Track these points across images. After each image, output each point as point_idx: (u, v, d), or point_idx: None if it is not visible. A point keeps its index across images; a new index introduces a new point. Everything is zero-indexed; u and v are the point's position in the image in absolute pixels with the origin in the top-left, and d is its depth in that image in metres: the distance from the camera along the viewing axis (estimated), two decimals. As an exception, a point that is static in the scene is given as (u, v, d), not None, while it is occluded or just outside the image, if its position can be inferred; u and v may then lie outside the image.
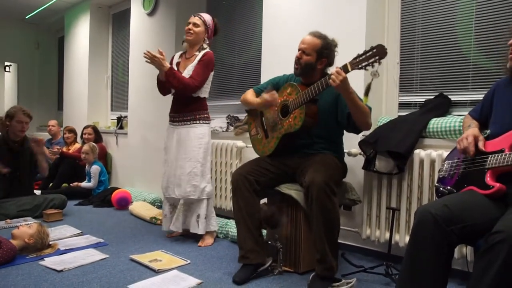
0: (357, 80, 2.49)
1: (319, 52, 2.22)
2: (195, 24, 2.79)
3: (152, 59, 2.66)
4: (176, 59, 2.94)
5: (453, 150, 1.81)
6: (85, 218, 3.56)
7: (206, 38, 2.82)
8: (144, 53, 2.67)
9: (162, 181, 2.96)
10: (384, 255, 2.35)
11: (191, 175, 2.77)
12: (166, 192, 2.93)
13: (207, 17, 2.84)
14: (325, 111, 2.24)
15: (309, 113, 2.17)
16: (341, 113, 2.22)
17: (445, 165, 1.77)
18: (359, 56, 1.93)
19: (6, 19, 6.54)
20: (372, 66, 1.90)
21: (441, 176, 1.76)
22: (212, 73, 2.84)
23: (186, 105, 2.81)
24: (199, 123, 2.81)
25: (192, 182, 2.77)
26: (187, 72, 2.74)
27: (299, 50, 2.27)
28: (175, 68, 2.85)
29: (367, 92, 2.01)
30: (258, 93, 2.50)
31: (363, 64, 1.91)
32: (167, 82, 2.72)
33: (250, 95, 2.51)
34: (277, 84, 2.46)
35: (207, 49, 2.82)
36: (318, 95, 2.14)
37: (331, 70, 2.09)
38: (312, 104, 2.19)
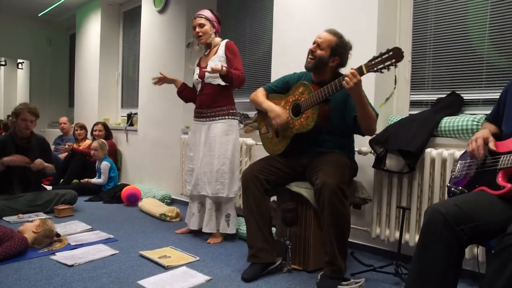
0: (367, 83, 2.48)
1: (333, 49, 2.21)
2: (201, 25, 2.81)
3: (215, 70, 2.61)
4: (196, 63, 2.99)
5: (466, 151, 1.79)
6: (95, 214, 3.60)
7: (214, 32, 2.85)
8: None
9: (188, 179, 2.95)
10: (394, 255, 2.34)
11: (219, 173, 2.75)
12: (195, 190, 2.88)
13: (207, 12, 2.86)
14: (335, 111, 2.23)
15: (322, 113, 2.16)
16: (348, 115, 2.22)
17: (458, 165, 1.75)
18: (375, 58, 1.89)
19: (19, 16, 6.63)
20: (388, 69, 1.87)
21: (453, 177, 1.75)
22: None
23: (212, 101, 2.79)
24: (227, 118, 2.79)
25: (220, 179, 2.75)
26: (212, 62, 2.74)
27: (314, 43, 2.25)
28: (198, 69, 2.90)
29: (387, 99, 1.99)
30: (268, 92, 2.50)
31: (379, 67, 1.88)
32: (231, 84, 2.70)
33: (260, 95, 2.49)
34: (287, 83, 2.45)
35: (224, 40, 2.83)
36: (331, 96, 2.12)
37: (344, 71, 2.08)
38: (324, 104, 2.17)
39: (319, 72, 2.28)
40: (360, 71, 1.93)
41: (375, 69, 1.89)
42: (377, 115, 2.14)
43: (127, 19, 5.63)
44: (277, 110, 2.32)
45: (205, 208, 2.86)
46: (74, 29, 6.28)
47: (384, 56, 1.87)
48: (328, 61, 2.23)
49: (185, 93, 3.03)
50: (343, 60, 2.25)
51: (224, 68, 2.61)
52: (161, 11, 4.41)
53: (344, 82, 1.95)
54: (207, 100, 2.81)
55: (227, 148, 2.76)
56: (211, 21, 2.84)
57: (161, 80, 3.00)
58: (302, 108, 2.24)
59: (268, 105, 2.38)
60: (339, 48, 2.21)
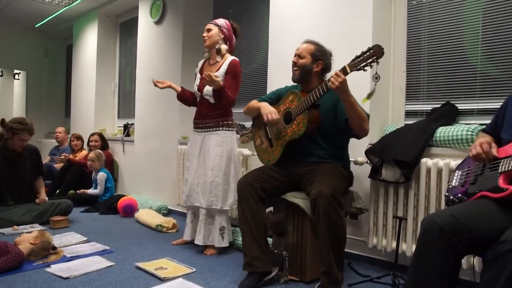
0: (362, 85, 2.50)
1: (313, 55, 2.32)
2: (208, 30, 2.82)
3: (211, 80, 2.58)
4: (199, 67, 2.97)
5: (464, 160, 1.80)
6: (91, 225, 3.59)
7: (223, 39, 2.81)
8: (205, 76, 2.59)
9: (183, 190, 2.96)
10: (391, 265, 2.34)
11: (213, 185, 2.74)
12: (188, 201, 2.89)
13: (220, 20, 2.87)
14: (326, 117, 2.27)
15: (312, 118, 2.21)
16: (340, 118, 2.25)
17: (456, 175, 1.75)
18: (357, 57, 1.96)
19: (16, 27, 6.65)
20: (371, 67, 1.94)
21: (451, 187, 1.74)
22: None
23: (210, 111, 2.80)
24: (222, 129, 2.79)
25: (214, 191, 2.74)
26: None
27: (294, 55, 2.37)
28: (198, 75, 2.90)
29: (369, 95, 2.02)
30: None
31: (362, 65, 1.95)
32: (219, 101, 2.71)
33: (253, 102, 2.56)
34: (279, 96, 2.52)
35: (231, 57, 2.79)
36: (319, 100, 2.17)
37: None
38: (314, 110, 2.23)
39: (306, 81, 2.35)
40: (344, 71, 1.99)
41: (358, 67, 1.96)
42: (368, 115, 2.18)
43: (124, 30, 5.67)
44: (270, 107, 2.37)
45: (198, 219, 2.85)
46: (71, 40, 6.31)
47: (365, 55, 1.94)
48: (312, 67, 2.32)
49: (187, 95, 3.02)
50: (326, 64, 2.33)
51: (220, 83, 2.60)
52: (157, 22, 4.45)
53: (329, 83, 2.00)
54: (204, 111, 2.83)
55: (220, 160, 2.75)
56: (221, 26, 2.82)
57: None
58: (293, 115, 2.28)
59: (260, 104, 2.44)
60: (319, 53, 2.32)
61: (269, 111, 2.33)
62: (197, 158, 2.84)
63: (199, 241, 2.79)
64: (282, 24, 3.18)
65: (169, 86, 3.01)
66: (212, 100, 2.77)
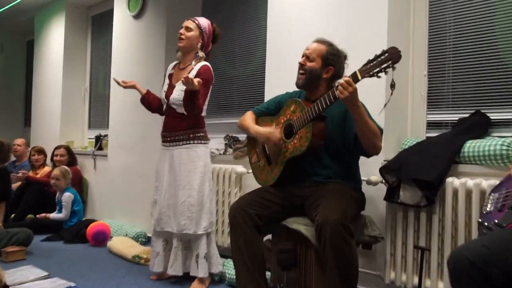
0: (376, 94, 2.53)
1: (324, 59, 2.32)
2: (187, 28, 2.87)
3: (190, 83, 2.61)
4: (169, 71, 3.03)
5: (502, 181, 1.82)
6: (54, 257, 3.57)
7: (200, 45, 2.89)
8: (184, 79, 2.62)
9: (153, 212, 2.98)
10: (412, 305, 2.34)
11: (185, 205, 2.78)
12: (158, 226, 2.93)
13: (203, 20, 2.92)
14: (333, 130, 2.30)
15: (316, 131, 2.22)
16: (348, 133, 2.27)
17: (491, 198, 1.77)
18: (369, 61, 1.99)
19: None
20: (386, 73, 1.96)
21: (485, 212, 1.76)
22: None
23: (179, 123, 2.85)
24: (194, 143, 2.84)
25: (186, 213, 2.78)
26: (181, 86, 2.77)
27: (302, 56, 2.37)
28: (167, 80, 2.96)
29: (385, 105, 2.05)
30: (257, 115, 2.58)
31: (375, 71, 1.96)
32: (191, 107, 2.75)
33: (248, 118, 2.58)
34: (278, 104, 2.54)
35: (203, 62, 2.87)
36: (326, 110, 2.18)
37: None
38: (319, 122, 2.24)
39: (312, 87, 2.37)
40: (354, 77, 2.00)
41: (370, 73, 1.97)
42: (381, 130, 2.20)
43: (97, 24, 5.72)
44: (266, 132, 2.40)
45: (171, 246, 2.87)
46: (33, 34, 6.35)
47: (379, 59, 1.95)
48: (321, 73, 2.33)
49: (150, 99, 3.08)
50: (338, 69, 2.35)
51: (197, 86, 2.61)
52: (136, 16, 4.50)
53: (337, 91, 2.02)
54: (172, 122, 2.88)
55: (193, 177, 2.79)
56: (202, 30, 2.89)
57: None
58: (295, 127, 2.29)
59: (255, 130, 2.47)
60: (331, 56, 2.32)
61: (266, 137, 2.37)
62: (167, 176, 2.88)
63: (175, 270, 2.83)
64: (283, 19, 3.23)
65: (133, 87, 3.09)
66: (179, 110, 2.82)
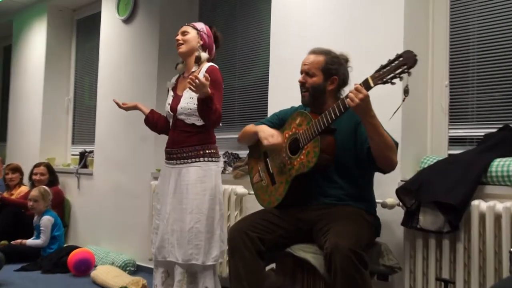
0: (390, 104, 2.54)
1: (325, 70, 2.34)
2: (183, 33, 2.90)
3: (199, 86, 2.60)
4: (171, 84, 3.05)
5: None
6: (31, 288, 3.56)
7: (201, 45, 2.90)
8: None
9: (153, 240, 2.94)
10: None
11: (193, 233, 2.72)
12: (160, 255, 2.86)
13: (199, 23, 2.97)
14: (344, 144, 2.30)
15: (325, 146, 2.22)
16: (360, 147, 2.28)
17: None
18: (382, 67, 2.01)
19: None
20: (400, 79, 1.97)
21: None
22: None
23: (187, 137, 2.82)
24: (204, 160, 2.81)
25: (194, 241, 2.72)
26: (189, 94, 2.77)
27: (301, 73, 2.40)
28: (171, 92, 2.97)
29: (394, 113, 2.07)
30: None
31: (388, 77, 1.99)
32: (208, 115, 2.73)
33: (249, 126, 2.61)
34: (283, 118, 2.56)
35: (208, 63, 2.87)
36: (335, 122, 2.19)
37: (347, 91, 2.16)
38: (328, 135, 2.25)
39: (319, 103, 2.39)
40: (366, 84, 2.03)
41: (383, 80, 2.00)
42: (396, 144, 2.22)
43: (82, 29, 5.77)
44: (269, 129, 2.41)
45: (173, 280, 2.83)
46: (10, 39, 6.40)
47: (393, 64, 1.98)
48: (325, 86, 2.36)
49: (155, 119, 3.08)
50: (343, 77, 2.37)
51: (208, 90, 2.61)
52: (126, 20, 4.54)
53: (348, 100, 2.04)
54: (179, 137, 2.85)
55: (202, 200, 2.76)
56: (200, 31, 2.91)
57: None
58: (301, 142, 2.30)
59: (257, 127, 2.48)
60: (332, 66, 2.35)
61: (268, 133, 2.38)
62: (171, 198, 2.84)
63: None
64: (288, 25, 3.25)
65: (136, 107, 3.09)
66: (189, 120, 2.81)
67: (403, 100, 2.01)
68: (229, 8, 4.10)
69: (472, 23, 2.69)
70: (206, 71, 2.78)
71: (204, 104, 2.68)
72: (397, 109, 2.07)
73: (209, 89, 2.62)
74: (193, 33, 2.90)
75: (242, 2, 4.00)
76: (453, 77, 2.74)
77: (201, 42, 2.91)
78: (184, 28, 2.92)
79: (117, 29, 4.67)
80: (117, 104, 3.08)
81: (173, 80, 3.07)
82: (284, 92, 3.15)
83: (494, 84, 2.61)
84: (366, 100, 2.02)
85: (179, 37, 2.89)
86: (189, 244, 2.73)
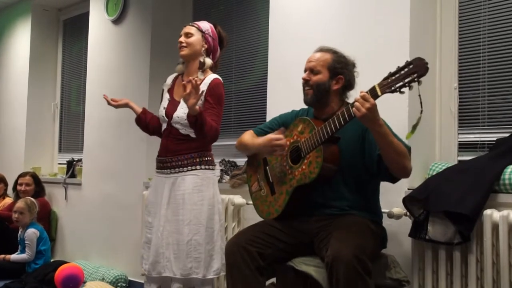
0: (398, 109, 2.55)
1: (331, 68, 2.36)
2: (187, 34, 2.87)
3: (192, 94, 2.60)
4: (168, 85, 3.04)
5: None
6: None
7: (205, 49, 2.89)
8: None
9: (145, 254, 2.90)
10: None
11: (191, 245, 2.72)
12: (154, 270, 2.82)
13: (204, 23, 2.95)
14: (349, 154, 2.31)
15: (328, 156, 2.23)
16: (369, 155, 2.28)
17: None
18: (391, 74, 2.02)
19: None
20: (410, 88, 1.98)
21: None
22: None
23: (182, 145, 2.82)
24: (201, 168, 2.81)
25: (194, 254, 2.72)
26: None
27: (305, 70, 2.42)
28: (167, 95, 2.96)
29: (414, 128, 2.08)
30: (259, 135, 2.58)
31: (398, 85, 1.99)
32: (200, 133, 2.74)
33: (248, 135, 2.61)
34: (283, 124, 2.56)
35: (213, 75, 2.86)
36: (340, 131, 2.20)
37: (353, 96, 2.17)
38: (331, 144, 2.25)
39: (322, 104, 2.40)
40: (373, 92, 2.03)
41: (392, 88, 2.00)
42: (408, 148, 2.22)
43: (69, 30, 5.78)
44: (267, 138, 2.40)
45: None
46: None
47: (403, 71, 1.98)
48: (330, 85, 2.36)
49: (148, 119, 3.06)
50: (349, 78, 2.38)
51: (198, 107, 2.61)
52: (116, 21, 4.56)
53: (354, 109, 2.04)
54: (173, 145, 2.85)
55: (201, 210, 2.76)
56: (205, 33, 2.90)
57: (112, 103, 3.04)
58: (303, 151, 2.31)
59: (257, 143, 2.48)
60: (338, 65, 2.37)
61: (268, 139, 2.39)
62: (165, 209, 2.83)
63: None
64: (287, 24, 3.26)
65: (127, 105, 3.07)
66: (184, 131, 2.81)
67: (421, 112, 2.01)
68: (225, 8, 4.12)
69: (482, 20, 2.70)
70: (210, 85, 2.80)
71: (194, 123, 2.68)
72: (418, 122, 2.07)
73: (197, 107, 2.61)
74: (198, 35, 2.88)
75: (238, 1, 4.01)
76: (463, 78, 2.75)
77: (206, 46, 2.89)
78: (188, 29, 2.90)
79: (106, 30, 4.68)
80: (107, 100, 3.05)
81: (169, 81, 3.05)
82: (284, 96, 3.16)
83: (506, 86, 2.62)
84: (373, 110, 2.02)
85: (183, 39, 2.87)
86: (188, 258, 2.73)
